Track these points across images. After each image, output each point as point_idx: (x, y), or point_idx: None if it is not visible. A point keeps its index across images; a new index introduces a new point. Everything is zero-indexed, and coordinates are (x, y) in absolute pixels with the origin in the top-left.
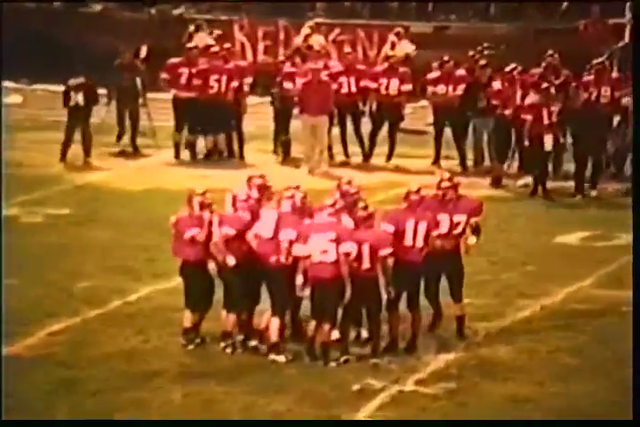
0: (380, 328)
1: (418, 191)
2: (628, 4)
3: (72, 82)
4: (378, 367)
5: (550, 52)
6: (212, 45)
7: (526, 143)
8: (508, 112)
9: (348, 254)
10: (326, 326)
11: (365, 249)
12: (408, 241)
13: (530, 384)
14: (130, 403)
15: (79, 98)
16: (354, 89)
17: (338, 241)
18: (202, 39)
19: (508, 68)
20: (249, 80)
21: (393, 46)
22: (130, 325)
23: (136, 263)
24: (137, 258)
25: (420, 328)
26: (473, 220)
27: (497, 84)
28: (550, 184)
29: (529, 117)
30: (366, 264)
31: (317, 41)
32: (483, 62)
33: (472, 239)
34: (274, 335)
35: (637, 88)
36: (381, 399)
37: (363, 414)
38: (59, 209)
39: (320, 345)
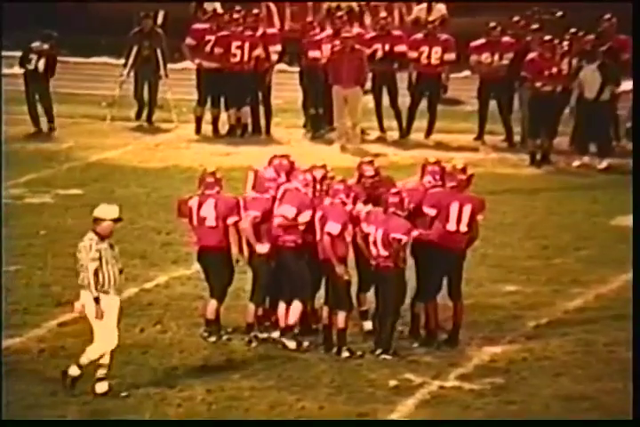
0: (394, 321)
1: (464, 170)
2: None
3: (35, 45)
4: (416, 362)
5: (607, 16)
6: (237, 10)
7: (628, 125)
8: (539, 84)
9: (329, 234)
10: (341, 314)
11: (379, 235)
12: (451, 226)
13: (586, 380)
14: (147, 400)
15: (40, 63)
16: (389, 57)
17: (322, 220)
18: (210, 4)
19: (547, 37)
20: (277, 48)
21: (429, 10)
22: (146, 315)
23: (153, 248)
24: (154, 242)
25: (462, 319)
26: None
27: (531, 54)
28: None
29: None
30: (382, 251)
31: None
32: (535, 26)
33: None
34: (292, 317)
35: (637, 85)
36: (420, 396)
37: (400, 413)
38: (68, 189)
39: (336, 334)
